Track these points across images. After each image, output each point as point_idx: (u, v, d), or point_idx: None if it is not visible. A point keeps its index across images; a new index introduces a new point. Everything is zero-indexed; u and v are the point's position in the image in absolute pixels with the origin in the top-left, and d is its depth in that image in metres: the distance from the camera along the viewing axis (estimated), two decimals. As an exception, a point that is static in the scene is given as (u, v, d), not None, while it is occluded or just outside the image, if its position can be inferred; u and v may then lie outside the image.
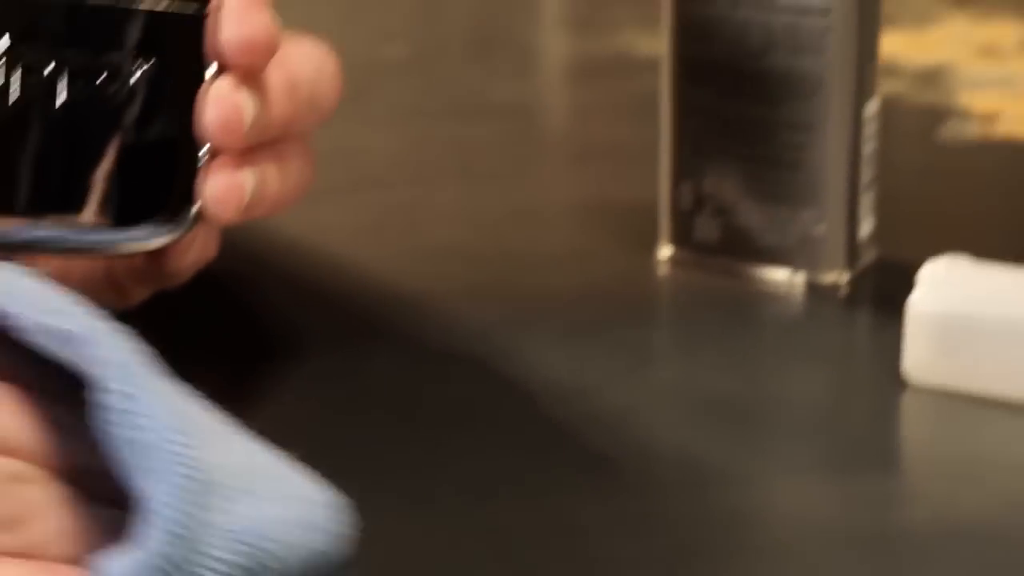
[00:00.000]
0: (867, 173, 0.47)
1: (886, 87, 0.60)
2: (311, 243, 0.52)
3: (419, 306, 0.47)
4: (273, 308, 0.47)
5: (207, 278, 0.40)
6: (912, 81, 0.61)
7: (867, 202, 0.47)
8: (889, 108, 0.52)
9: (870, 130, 0.47)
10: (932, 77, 0.61)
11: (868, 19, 0.46)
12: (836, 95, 0.46)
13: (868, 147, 0.47)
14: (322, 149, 0.58)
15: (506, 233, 0.53)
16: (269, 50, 0.35)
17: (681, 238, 0.49)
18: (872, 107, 0.47)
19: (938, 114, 0.58)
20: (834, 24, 0.45)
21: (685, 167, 0.48)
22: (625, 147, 0.58)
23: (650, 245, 0.50)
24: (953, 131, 0.57)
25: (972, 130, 0.57)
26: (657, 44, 0.65)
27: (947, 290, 0.41)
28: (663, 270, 0.49)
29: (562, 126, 0.60)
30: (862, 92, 0.46)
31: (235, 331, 0.45)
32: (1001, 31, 0.65)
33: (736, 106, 0.47)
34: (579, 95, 0.64)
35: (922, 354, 0.42)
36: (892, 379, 0.41)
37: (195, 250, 0.37)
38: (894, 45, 0.63)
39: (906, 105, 0.59)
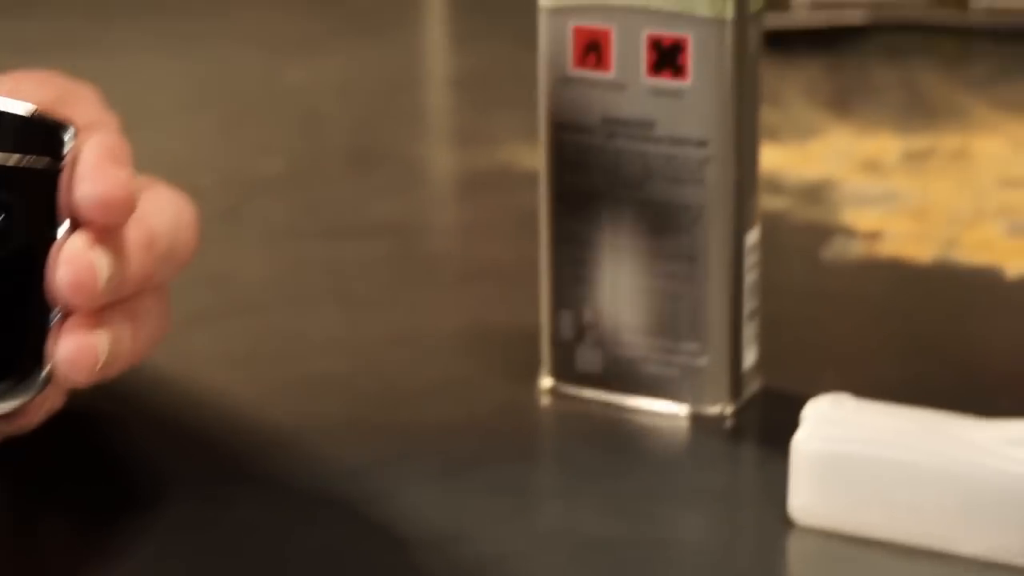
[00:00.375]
0: (750, 303, 0.46)
1: (769, 204, 0.60)
2: (178, 374, 0.51)
3: (290, 444, 0.45)
4: (136, 450, 0.46)
5: (66, 418, 0.39)
6: (795, 197, 0.60)
7: (750, 332, 0.47)
8: (772, 226, 0.52)
9: (751, 260, 0.46)
10: (815, 193, 0.61)
11: (746, 149, 0.45)
12: (716, 226, 0.45)
13: (750, 277, 0.46)
14: (192, 272, 0.57)
15: (384, 362, 0.52)
16: (127, 208, 0.34)
17: (562, 369, 0.48)
18: (753, 236, 0.46)
19: (822, 232, 0.58)
20: (712, 155, 0.45)
21: (565, 296, 0.48)
22: (508, 267, 0.57)
23: (532, 374, 0.49)
24: (837, 251, 0.57)
25: (856, 249, 0.57)
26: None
27: (831, 429, 0.40)
28: (544, 402, 0.48)
29: (444, 246, 0.59)
30: (742, 222, 0.45)
31: (93, 477, 0.43)
32: (882, 145, 0.65)
33: (616, 236, 0.46)
34: (461, 212, 0.63)
35: (807, 494, 0.41)
36: (778, 518, 0.40)
37: (44, 407, 0.36)
38: (776, 159, 0.63)
39: (790, 223, 0.59)
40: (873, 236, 0.57)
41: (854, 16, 0.78)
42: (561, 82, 0.46)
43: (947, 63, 0.76)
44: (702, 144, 0.45)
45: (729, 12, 0.44)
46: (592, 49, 0.46)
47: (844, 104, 0.69)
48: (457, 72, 0.79)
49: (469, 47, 0.81)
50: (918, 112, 0.68)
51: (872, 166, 0.63)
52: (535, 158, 0.69)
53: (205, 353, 0.52)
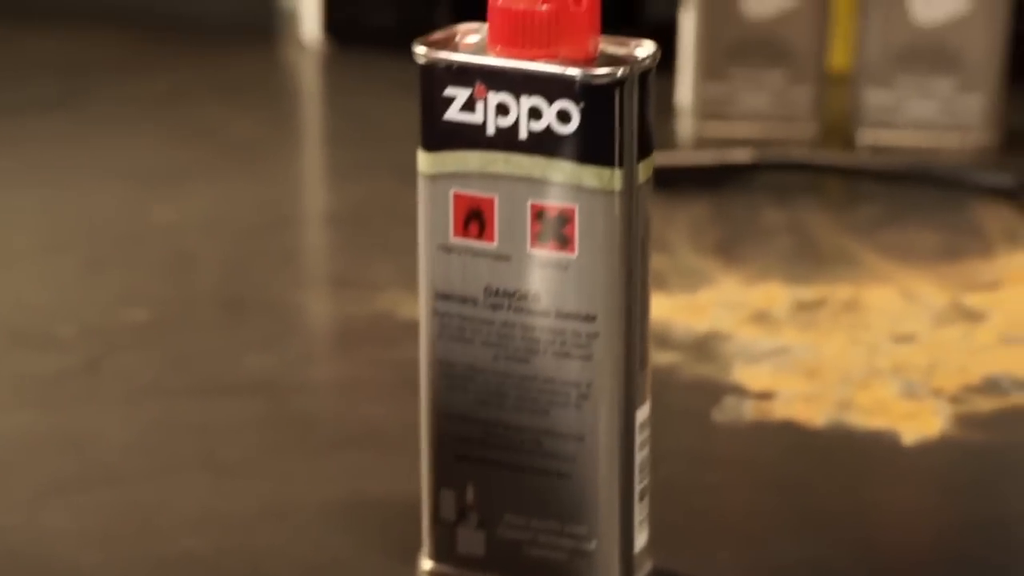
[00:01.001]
0: (641, 482, 0.45)
1: (657, 359, 0.58)
2: (29, 553, 0.48)
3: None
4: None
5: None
6: (684, 352, 0.59)
7: (641, 513, 0.45)
8: (661, 384, 0.50)
9: (642, 437, 0.44)
10: (704, 347, 0.59)
11: (636, 324, 0.44)
12: (605, 403, 0.44)
13: (640, 455, 0.44)
14: (46, 437, 0.55)
15: (253, 539, 0.49)
16: None
17: (443, 551, 0.46)
18: (643, 413, 0.44)
19: (713, 391, 0.56)
20: (600, 330, 0.43)
21: (446, 475, 0.45)
22: (388, 430, 0.55)
23: (412, 553, 0.47)
24: (729, 412, 0.55)
25: (748, 411, 0.55)
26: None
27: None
28: (425, 585, 0.46)
29: (320, 405, 0.57)
30: (632, 399, 0.44)
31: None
32: (772, 294, 0.64)
33: (499, 413, 0.45)
34: (338, 366, 0.61)
35: None
36: None
37: None
38: (664, 310, 0.62)
39: (679, 380, 0.57)
40: (765, 396, 0.56)
41: (741, 155, 0.77)
42: (442, 250, 0.45)
43: (834, 205, 0.75)
44: (589, 319, 0.43)
45: (617, 183, 0.43)
46: (474, 218, 0.44)
47: (732, 250, 0.68)
48: (334, 209, 0.77)
49: (347, 181, 0.79)
50: (807, 259, 0.68)
51: (762, 318, 0.62)
52: (417, 307, 0.67)
53: (57, 530, 0.49)
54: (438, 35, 0.45)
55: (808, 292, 0.64)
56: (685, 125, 0.83)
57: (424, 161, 0.44)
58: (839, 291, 0.64)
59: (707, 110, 0.84)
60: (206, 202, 0.76)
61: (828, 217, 0.73)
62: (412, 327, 0.65)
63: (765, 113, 0.83)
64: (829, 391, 0.56)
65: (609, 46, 0.44)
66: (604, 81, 0.42)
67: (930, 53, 0.81)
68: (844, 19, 0.90)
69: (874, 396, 0.56)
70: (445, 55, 0.44)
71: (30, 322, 0.64)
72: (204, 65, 0.99)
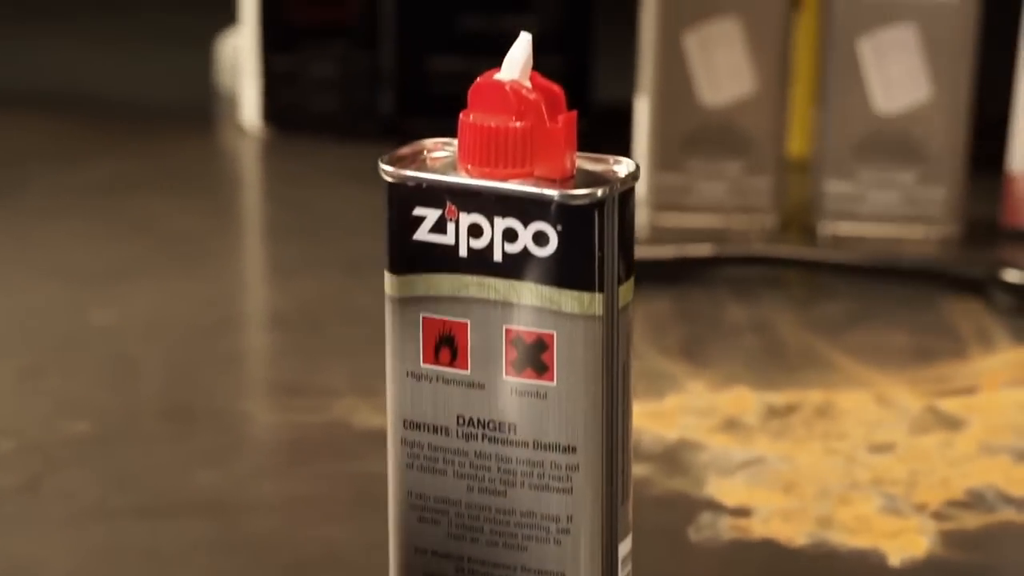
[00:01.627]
0: (622, 619, 0.43)
1: (627, 472, 0.57)
2: None
3: None
4: None
5: None
6: (656, 464, 0.57)
7: (623, 651, 0.43)
8: (635, 499, 0.49)
9: (624, 572, 0.43)
10: (676, 458, 0.58)
11: (618, 454, 0.42)
12: (586, 537, 0.42)
13: (623, 590, 0.43)
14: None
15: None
16: None
17: None
18: (625, 547, 0.43)
19: (688, 507, 0.55)
20: (581, 461, 0.42)
21: (416, 612, 0.44)
22: (347, 554, 0.53)
23: None
24: (705, 531, 0.54)
25: (725, 528, 0.54)
26: (380, 419, 0.61)
27: None
28: None
29: (273, 525, 0.55)
30: (614, 533, 0.42)
31: None
32: (741, 400, 0.62)
33: (474, 548, 0.43)
34: (292, 481, 0.58)
35: None
36: None
37: None
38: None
39: (652, 495, 0.55)
40: (742, 512, 0.54)
41: (701, 249, 0.76)
42: (411, 377, 0.43)
43: (798, 301, 0.74)
44: (569, 450, 0.42)
45: (598, 308, 0.41)
46: (445, 343, 0.42)
47: (697, 351, 0.67)
48: (281, 308, 0.75)
49: (293, 277, 0.77)
50: (775, 361, 0.66)
51: (733, 426, 0.60)
52: (374, 416, 0.65)
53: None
54: (404, 150, 0.44)
55: (779, 397, 0.63)
56: (640, 216, 0.82)
57: (392, 283, 0.43)
58: (810, 396, 0.63)
59: (663, 201, 0.83)
60: (146, 302, 0.74)
61: (793, 314, 0.72)
62: (369, 438, 0.64)
63: (723, 204, 0.82)
64: (808, 506, 0.55)
65: (586, 163, 0.43)
66: (583, 202, 0.41)
67: (892, 143, 0.80)
68: (802, 105, 0.90)
69: (855, 512, 0.54)
70: (414, 173, 0.42)
71: (-35, 437, 0.62)
72: (143, 153, 0.97)
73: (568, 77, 1.00)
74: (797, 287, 0.76)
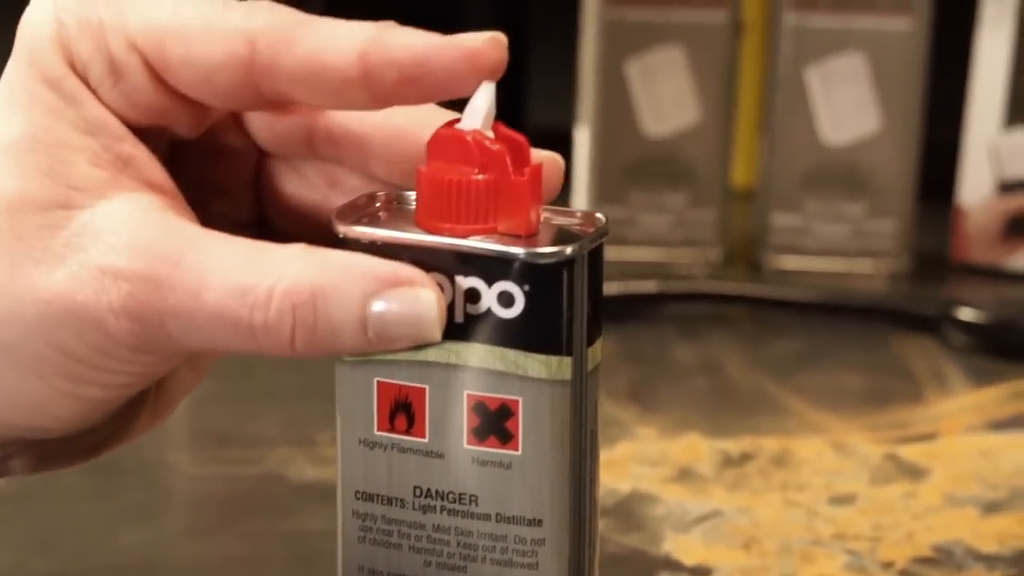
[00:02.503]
0: None
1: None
2: None
3: None
4: None
5: None
6: (610, 519, 0.56)
7: None
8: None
9: (592, 650, 0.41)
10: (630, 513, 0.56)
11: (586, 527, 0.40)
12: (552, 616, 0.40)
13: (590, 670, 0.41)
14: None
15: None
16: None
17: None
18: (593, 623, 0.41)
19: (645, 566, 0.53)
20: (547, 536, 0.40)
21: None
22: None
23: None
24: (665, 594, 0.52)
25: (685, 590, 0.52)
26: (317, 471, 0.59)
27: None
28: None
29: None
30: (582, 609, 0.41)
31: None
32: (694, 448, 0.61)
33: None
34: (225, 542, 0.56)
35: None
36: None
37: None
38: (582, 469, 0.59)
39: (608, 554, 0.54)
40: (702, 572, 0.53)
41: (646, 285, 0.75)
42: (364, 445, 0.41)
43: (746, 340, 0.73)
44: (535, 523, 0.40)
45: (566, 372, 0.39)
46: (402, 410, 0.40)
47: (646, 394, 0.66)
48: (207, 347, 0.73)
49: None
50: (726, 405, 0.65)
51: (687, 476, 0.59)
52: (310, 467, 0.63)
53: None
54: (356, 201, 0.42)
55: (733, 444, 0.62)
56: (580, 248, 0.81)
57: (344, 345, 0.41)
58: (766, 443, 0.62)
59: (603, 232, 0.82)
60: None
61: (742, 354, 0.71)
62: (306, 492, 0.61)
63: (666, 237, 0.81)
64: (770, 564, 0.53)
65: (553, 216, 0.41)
66: (551, 260, 0.39)
67: (839, 175, 0.80)
68: (747, 134, 0.89)
69: (819, 571, 0.53)
70: (368, 229, 0.40)
71: None
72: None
73: (501, 101, 0.98)
74: (745, 324, 0.75)
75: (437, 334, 0.38)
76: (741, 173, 0.89)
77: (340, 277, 0.38)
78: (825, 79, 0.80)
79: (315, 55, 0.39)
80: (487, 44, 0.39)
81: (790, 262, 0.81)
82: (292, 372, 0.68)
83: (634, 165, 0.81)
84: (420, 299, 0.38)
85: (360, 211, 0.41)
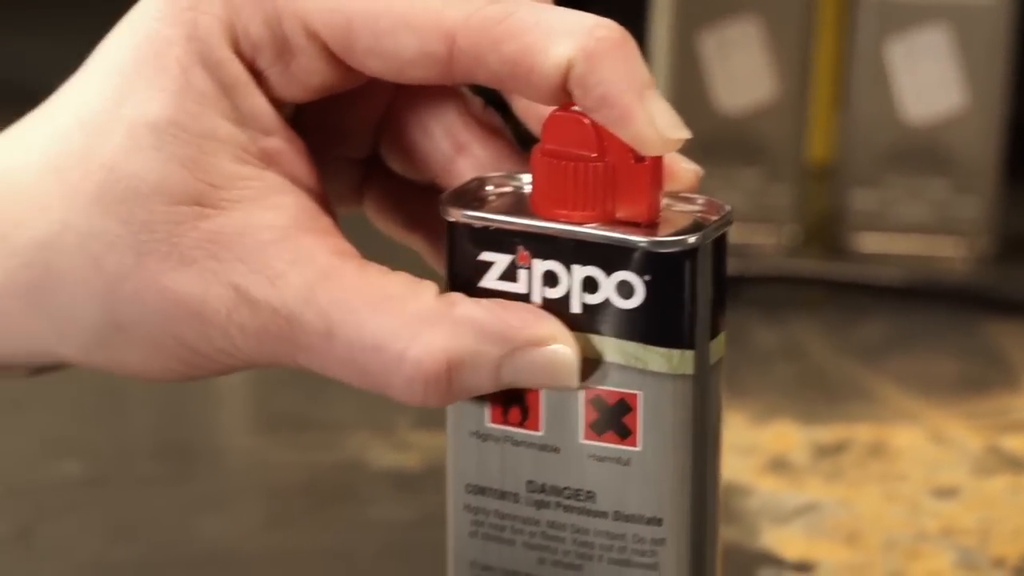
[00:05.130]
0: None
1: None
2: None
3: None
4: None
5: None
6: (702, 511, 0.55)
7: None
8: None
9: (710, 652, 0.41)
10: (726, 504, 0.55)
11: (708, 527, 0.39)
12: (672, 617, 0.40)
13: (709, 672, 0.41)
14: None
15: None
16: None
17: None
18: (712, 624, 0.40)
19: (745, 562, 0.52)
20: (667, 535, 0.39)
21: None
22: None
23: None
24: (767, 589, 0.52)
25: (790, 585, 0.51)
26: (398, 457, 0.58)
27: None
28: None
29: (291, 582, 0.52)
30: (702, 611, 0.40)
31: None
32: (786, 436, 0.60)
33: (546, 628, 0.40)
34: (307, 532, 0.55)
35: None
36: None
37: None
38: (671, 458, 0.58)
39: (702, 547, 0.53)
40: (805, 568, 0.52)
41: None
42: (476, 437, 0.40)
43: (830, 324, 0.72)
44: (654, 522, 0.39)
45: (688, 367, 0.38)
46: (515, 402, 0.40)
47: (731, 379, 0.65)
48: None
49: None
50: (816, 391, 0.64)
51: (781, 466, 0.58)
52: (390, 453, 0.62)
53: None
54: (467, 185, 0.41)
55: (826, 433, 0.61)
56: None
57: (454, 335, 0.40)
58: (860, 432, 0.61)
59: (675, 210, 0.80)
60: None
61: (826, 338, 0.70)
62: (388, 478, 0.60)
63: (740, 215, 0.80)
64: (876, 560, 0.52)
65: (673, 203, 0.40)
66: (674, 250, 0.38)
67: (921, 152, 0.78)
68: (823, 109, 0.87)
69: (928, 567, 0.52)
70: (481, 214, 0.39)
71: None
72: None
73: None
74: (826, 307, 0.74)
75: (575, 383, 0.38)
76: (818, 149, 0.88)
77: (473, 342, 0.37)
78: (907, 53, 0.78)
79: (523, 59, 0.37)
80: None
81: (869, 241, 0.80)
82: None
83: (707, 141, 0.80)
84: (555, 355, 0.37)
85: (471, 195, 0.40)
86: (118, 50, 0.39)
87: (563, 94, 0.38)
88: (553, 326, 0.37)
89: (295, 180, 0.39)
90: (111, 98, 0.38)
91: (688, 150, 0.82)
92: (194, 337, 0.38)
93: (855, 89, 0.78)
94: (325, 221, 0.39)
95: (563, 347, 0.37)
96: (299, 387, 0.66)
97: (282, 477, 0.60)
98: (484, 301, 0.38)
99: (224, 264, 0.37)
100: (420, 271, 0.38)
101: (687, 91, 0.78)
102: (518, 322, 0.37)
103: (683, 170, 0.40)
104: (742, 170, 0.79)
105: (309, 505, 0.57)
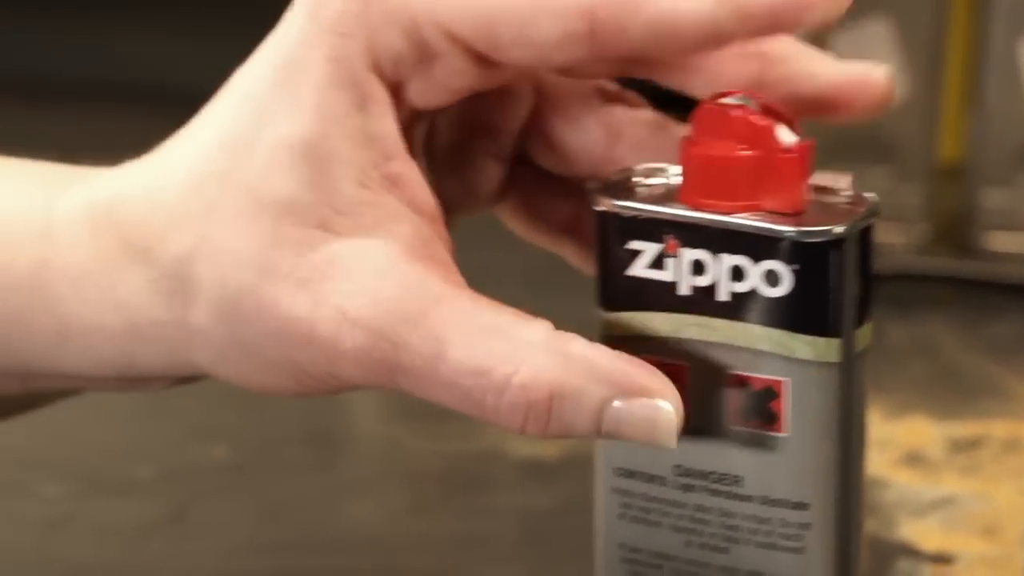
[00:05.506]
0: None
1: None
2: None
3: None
4: None
5: None
6: (837, 502, 0.55)
7: None
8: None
9: (854, 635, 0.41)
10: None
11: (853, 512, 0.40)
12: (816, 600, 0.40)
13: (851, 656, 0.41)
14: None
15: None
16: None
17: None
18: (855, 609, 0.41)
19: (883, 552, 0.52)
20: (813, 520, 0.40)
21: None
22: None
23: None
24: (905, 580, 0.52)
25: (926, 577, 0.52)
26: (536, 447, 0.59)
27: None
28: None
29: (437, 566, 0.53)
30: (846, 594, 0.40)
31: None
32: (921, 431, 0.60)
33: (691, 609, 0.41)
34: (450, 518, 0.56)
35: None
36: None
37: None
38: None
39: (837, 537, 0.53)
40: (943, 559, 0.52)
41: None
42: (624, 423, 0.41)
43: (961, 321, 0.72)
44: (801, 506, 0.40)
45: (834, 354, 0.39)
46: (664, 388, 0.40)
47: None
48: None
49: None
50: (949, 388, 0.64)
51: (916, 460, 0.58)
52: (529, 444, 0.63)
53: None
54: (613, 176, 0.42)
55: (960, 428, 0.61)
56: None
57: (605, 321, 0.41)
58: (995, 428, 0.61)
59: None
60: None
61: (958, 336, 0.70)
62: (528, 469, 0.61)
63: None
64: (1015, 553, 0.52)
65: (820, 194, 0.40)
66: (821, 240, 0.39)
67: (1055, 150, 0.78)
68: (954, 107, 0.87)
69: (1066, 560, 0.52)
70: (630, 204, 0.40)
71: (99, 462, 0.60)
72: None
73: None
74: (956, 305, 0.73)
75: (673, 443, 0.38)
76: (949, 148, 0.88)
77: (581, 378, 0.37)
78: (1042, 52, 0.78)
79: (665, 17, 0.38)
80: None
81: (1000, 240, 0.79)
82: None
83: (838, 140, 0.80)
84: (659, 410, 0.37)
85: (619, 185, 0.41)
86: (259, 72, 0.40)
87: (712, 43, 0.38)
88: (663, 383, 0.37)
89: (413, 206, 0.40)
90: (250, 120, 0.39)
91: (818, 150, 0.83)
92: (304, 359, 0.39)
93: (987, 87, 0.77)
94: (440, 250, 0.40)
95: (669, 405, 0.37)
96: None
97: (422, 465, 0.61)
98: (602, 347, 0.38)
99: (335, 286, 0.38)
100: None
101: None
102: (632, 370, 0.37)
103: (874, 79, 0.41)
104: (872, 169, 0.79)
105: (448, 492, 0.58)
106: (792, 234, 0.39)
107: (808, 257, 0.39)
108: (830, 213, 0.40)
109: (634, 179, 0.42)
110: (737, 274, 0.39)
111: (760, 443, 0.40)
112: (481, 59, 0.40)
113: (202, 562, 0.53)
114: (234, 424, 0.62)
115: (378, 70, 0.39)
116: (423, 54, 0.39)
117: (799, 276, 0.39)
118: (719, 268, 0.40)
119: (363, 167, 0.39)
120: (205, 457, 0.59)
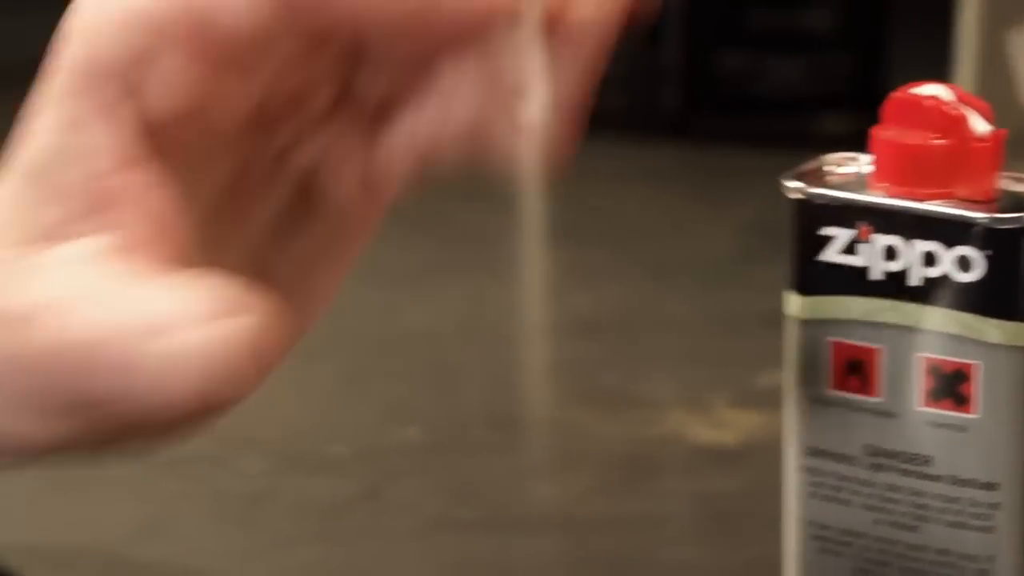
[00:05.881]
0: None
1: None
2: None
3: None
4: None
5: None
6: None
7: None
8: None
9: (1041, 612, 0.42)
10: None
11: (1042, 493, 0.41)
12: (1005, 579, 0.41)
13: (1038, 631, 0.42)
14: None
15: None
16: None
17: None
18: (1044, 586, 0.42)
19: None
20: (1004, 500, 0.40)
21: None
22: None
23: None
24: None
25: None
26: (716, 433, 0.60)
27: None
28: None
29: (623, 545, 0.55)
30: (1034, 573, 0.41)
31: None
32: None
33: (881, 585, 0.42)
34: (633, 500, 0.58)
35: None
36: None
37: None
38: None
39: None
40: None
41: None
42: (817, 402, 0.42)
43: None
44: (991, 487, 0.40)
45: (1024, 338, 0.40)
46: (855, 370, 0.41)
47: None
48: (589, 314, 0.75)
49: (595, 282, 0.77)
50: None
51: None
52: (708, 431, 0.65)
53: None
54: (807, 166, 0.43)
55: None
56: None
57: (797, 305, 0.42)
58: None
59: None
60: (455, 304, 0.74)
61: None
62: (708, 455, 0.63)
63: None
64: None
65: (1010, 182, 0.41)
66: (1015, 226, 0.39)
67: None
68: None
69: None
70: (824, 191, 0.41)
71: (295, 441, 0.62)
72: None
73: (858, 73, 0.98)
74: None
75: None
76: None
77: None
78: None
79: None
80: None
81: None
82: (675, 337, 0.70)
83: (1014, 138, 0.80)
84: None
85: (812, 173, 0.42)
86: None
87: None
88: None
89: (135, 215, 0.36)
90: None
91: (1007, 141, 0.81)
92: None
93: None
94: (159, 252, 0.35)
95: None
96: (616, 367, 0.69)
97: (605, 449, 0.62)
98: None
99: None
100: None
101: (993, 89, 0.78)
102: None
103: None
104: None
105: (632, 475, 0.60)
106: (986, 220, 0.40)
107: (1001, 243, 0.40)
108: (1021, 201, 0.40)
109: (828, 167, 0.43)
110: (929, 259, 0.40)
111: (950, 424, 0.41)
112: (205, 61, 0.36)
113: (396, 538, 0.55)
114: (426, 406, 0.64)
115: (104, 79, 0.36)
116: (141, 55, 0.36)
117: (992, 261, 0.40)
118: (912, 254, 0.41)
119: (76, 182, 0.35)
120: (398, 438, 0.61)
